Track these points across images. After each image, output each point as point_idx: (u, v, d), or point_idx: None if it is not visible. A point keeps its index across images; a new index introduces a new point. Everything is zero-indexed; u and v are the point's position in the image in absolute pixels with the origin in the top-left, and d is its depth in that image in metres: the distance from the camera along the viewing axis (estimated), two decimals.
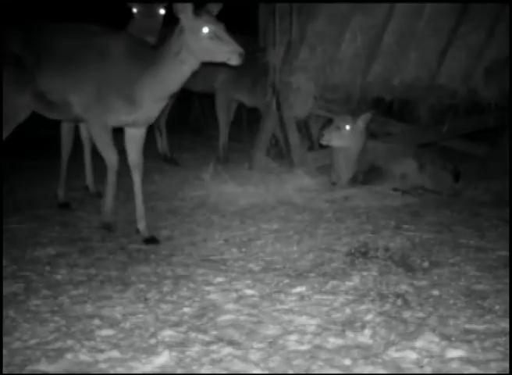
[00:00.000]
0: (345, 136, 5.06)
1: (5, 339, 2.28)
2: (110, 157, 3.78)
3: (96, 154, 4.99)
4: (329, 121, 5.44)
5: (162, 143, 6.41)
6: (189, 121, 8.59)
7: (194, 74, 5.83)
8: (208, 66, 4.69)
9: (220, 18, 4.58)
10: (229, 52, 3.55)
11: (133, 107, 3.65)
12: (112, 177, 3.81)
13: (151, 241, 3.68)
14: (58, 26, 3.85)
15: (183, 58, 3.55)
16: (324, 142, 5.12)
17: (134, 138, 3.83)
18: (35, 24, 3.80)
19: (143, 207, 3.81)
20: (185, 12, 3.48)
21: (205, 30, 3.49)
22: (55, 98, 3.70)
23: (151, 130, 6.63)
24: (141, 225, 3.77)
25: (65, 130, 4.59)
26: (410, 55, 5.70)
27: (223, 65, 5.16)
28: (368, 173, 5.18)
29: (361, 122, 5.08)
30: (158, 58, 3.59)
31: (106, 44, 3.66)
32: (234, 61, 3.61)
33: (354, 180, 5.18)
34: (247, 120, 7.25)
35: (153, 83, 3.60)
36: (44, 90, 3.66)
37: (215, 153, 6.46)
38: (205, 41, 3.50)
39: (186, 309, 2.60)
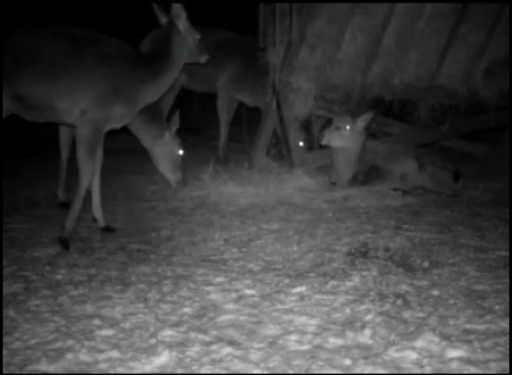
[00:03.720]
0: (345, 136, 5.06)
1: (5, 339, 2.28)
2: (90, 166, 3.69)
3: None
4: (329, 121, 5.45)
5: None
6: (189, 121, 8.60)
7: (196, 75, 5.90)
8: (209, 67, 4.70)
9: (220, 18, 4.64)
10: (205, 52, 4.13)
11: (131, 111, 3.80)
12: (83, 189, 3.69)
13: (107, 229, 3.89)
14: (40, 29, 3.64)
15: (183, 62, 3.99)
16: (324, 142, 5.12)
17: None
18: (13, 25, 3.57)
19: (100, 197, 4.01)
20: (182, 19, 3.92)
21: (198, 35, 4.05)
22: (39, 103, 3.56)
23: None
24: (98, 214, 3.97)
25: (64, 130, 4.59)
26: (410, 55, 5.70)
27: (224, 65, 5.19)
28: (368, 173, 5.18)
29: (361, 122, 5.08)
30: (163, 64, 3.88)
31: (104, 51, 3.67)
32: (204, 60, 4.19)
33: (354, 180, 5.18)
34: (247, 120, 7.26)
35: (157, 88, 3.90)
36: (25, 95, 3.50)
37: (215, 153, 6.46)
38: (199, 45, 4.06)
39: (186, 309, 2.60)
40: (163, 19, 4.07)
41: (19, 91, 3.47)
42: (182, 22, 3.98)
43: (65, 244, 3.52)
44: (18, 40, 3.49)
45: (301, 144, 5.77)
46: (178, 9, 3.96)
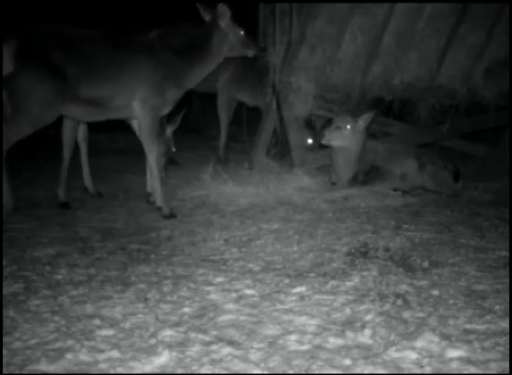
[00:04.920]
0: (346, 136, 5.07)
1: (5, 339, 2.27)
2: (154, 149, 4.26)
3: (92, 155, 5.03)
4: (329, 121, 5.45)
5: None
6: (189, 121, 8.60)
7: None
8: None
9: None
10: (253, 47, 4.74)
11: (180, 93, 4.38)
12: (155, 169, 4.28)
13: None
14: (94, 35, 4.10)
15: (223, 56, 4.54)
16: (325, 142, 5.12)
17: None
18: (69, 32, 3.99)
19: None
20: (226, 18, 4.41)
21: (242, 31, 4.57)
22: (102, 103, 4.00)
23: None
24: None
25: (68, 130, 4.59)
26: (410, 55, 5.70)
27: (225, 66, 5.28)
28: (368, 173, 5.17)
29: (362, 122, 5.08)
30: (200, 55, 4.41)
31: (153, 48, 4.23)
32: (251, 54, 4.78)
33: (354, 180, 5.18)
34: (247, 120, 7.27)
35: (195, 75, 4.45)
36: (88, 96, 3.91)
37: (215, 153, 6.46)
38: (243, 40, 4.58)
39: (186, 309, 2.60)
40: (207, 17, 4.53)
41: (82, 94, 3.87)
42: (225, 20, 4.43)
43: (172, 216, 4.21)
44: (75, 46, 3.89)
45: (310, 141, 5.80)
46: (223, 9, 4.41)
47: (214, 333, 2.36)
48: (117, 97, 4.04)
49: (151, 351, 2.20)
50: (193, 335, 2.33)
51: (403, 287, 2.83)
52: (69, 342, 2.25)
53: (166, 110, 4.36)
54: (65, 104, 3.85)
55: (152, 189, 4.49)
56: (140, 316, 2.52)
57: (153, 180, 4.36)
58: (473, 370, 2.06)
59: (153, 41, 4.28)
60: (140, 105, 4.13)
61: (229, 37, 4.50)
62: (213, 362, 2.12)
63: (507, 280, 2.91)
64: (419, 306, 2.61)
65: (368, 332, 2.34)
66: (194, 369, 2.08)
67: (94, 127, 4.98)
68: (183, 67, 4.34)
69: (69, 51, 3.82)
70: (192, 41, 4.47)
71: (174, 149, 5.21)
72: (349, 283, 2.89)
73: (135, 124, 4.61)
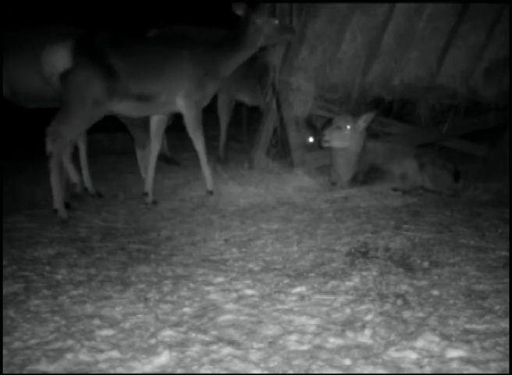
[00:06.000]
0: (346, 136, 5.06)
1: (5, 339, 2.27)
2: (202, 137, 4.72)
3: (92, 155, 5.03)
4: (329, 121, 5.45)
5: (162, 143, 6.40)
6: None
7: None
8: None
9: (220, 18, 4.69)
10: (288, 31, 5.09)
11: (217, 86, 4.79)
12: (204, 156, 4.78)
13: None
14: (140, 39, 4.58)
15: (258, 45, 4.91)
16: (325, 142, 5.12)
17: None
18: (121, 36, 4.42)
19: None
20: (263, 13, 4.80)
21: (277, 21, 4.94)
22: (148, 99, 4.31)
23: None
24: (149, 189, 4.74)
25: None
26: (410, 55, 5.70)
27: None
28: (367, 173, 5.17)
29: (362, 122, 5.08)
30: (235, 46, 4.78)
31: (189, 45, 4.57)
32: (290, 38, 5.19)
33: (354, 180, 5.18)
34: (247, 120, 7.26)
35: (230, 65, 4.83)
36: (137, 93, 4.24)
37: (215, 153, 6.46)
38: (279, 28, 4.93)
39: (186, 309, 2.60)
40: (240, 11, 4.81)
41: (131, 90, 4.18)
42: (262, 17, 4.78)
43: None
44: (125, 48, 4.24)
45: (311, 139, 5.81)
46: (263, 9, 4.81)
47: (214, 333, 2.36)
48: (163, 93, 4.37)
49: (151, 351, 2.20)
50: (193, 335, 2.33)
51: (403, 287, 2.83)
52: (69, 342, 2.25)
53: (205, 103, 4.70)
54: (116, 100, 4.14)
55: (203, 174, 4.86)
56: (140, 316, 2.52)
57: (203, 166, 4.81)
58: (473, 370, 2.06)
59: (188, 38, 4.67)
60: (184, 101, 4.49)
61: (264, 29, 4.81)
62: (213, 362, 2.12)
63: (507, 280, 2.91)
64: (419, 306, 2.61)
65: (368, 332, 2.34)
66: (194, 369, 2.08)
67: (94, 127, 4.98)
68: (217, 61, 4.68)
69: (120, 51, 4.16)
70: (226, 36, 4.84)
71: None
72: (349, 283, 2.89)
73: (154, 124, 4.76)
